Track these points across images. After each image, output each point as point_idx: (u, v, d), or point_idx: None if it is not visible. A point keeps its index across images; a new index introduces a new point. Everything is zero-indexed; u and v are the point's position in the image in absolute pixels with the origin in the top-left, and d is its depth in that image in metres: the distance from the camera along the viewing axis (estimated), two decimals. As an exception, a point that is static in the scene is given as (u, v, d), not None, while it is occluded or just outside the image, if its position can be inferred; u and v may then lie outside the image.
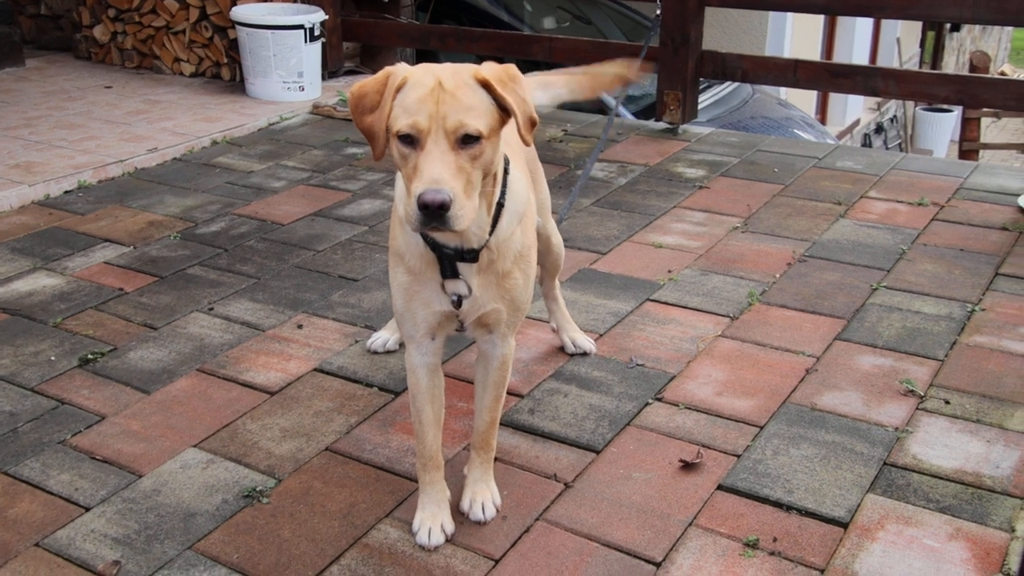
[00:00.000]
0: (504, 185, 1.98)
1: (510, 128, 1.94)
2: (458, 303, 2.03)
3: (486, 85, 1.82)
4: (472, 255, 1.97)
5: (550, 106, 2.75)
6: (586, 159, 4.63)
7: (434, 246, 1.98)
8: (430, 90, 1.77)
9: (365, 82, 1.89)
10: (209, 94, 5.77)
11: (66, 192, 4.32)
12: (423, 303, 2.05)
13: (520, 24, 7.01)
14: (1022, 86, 4.36)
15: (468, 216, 1.78)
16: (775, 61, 4.92)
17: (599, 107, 6.16)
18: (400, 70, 1.84)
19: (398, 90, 1.82)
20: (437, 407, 2.17)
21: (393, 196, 2.20)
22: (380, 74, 1.87)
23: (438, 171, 1.74)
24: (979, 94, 4.54)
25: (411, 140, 1.79)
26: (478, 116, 1.79)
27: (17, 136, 4.91)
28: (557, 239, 2.78)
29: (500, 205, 1.98)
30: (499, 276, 2.03)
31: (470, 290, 2.01)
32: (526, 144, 1.89)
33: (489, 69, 1.85)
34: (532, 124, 1.87)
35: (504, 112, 1.85)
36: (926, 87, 4.63)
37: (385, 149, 1.86)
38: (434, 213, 1.73)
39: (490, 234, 1.97)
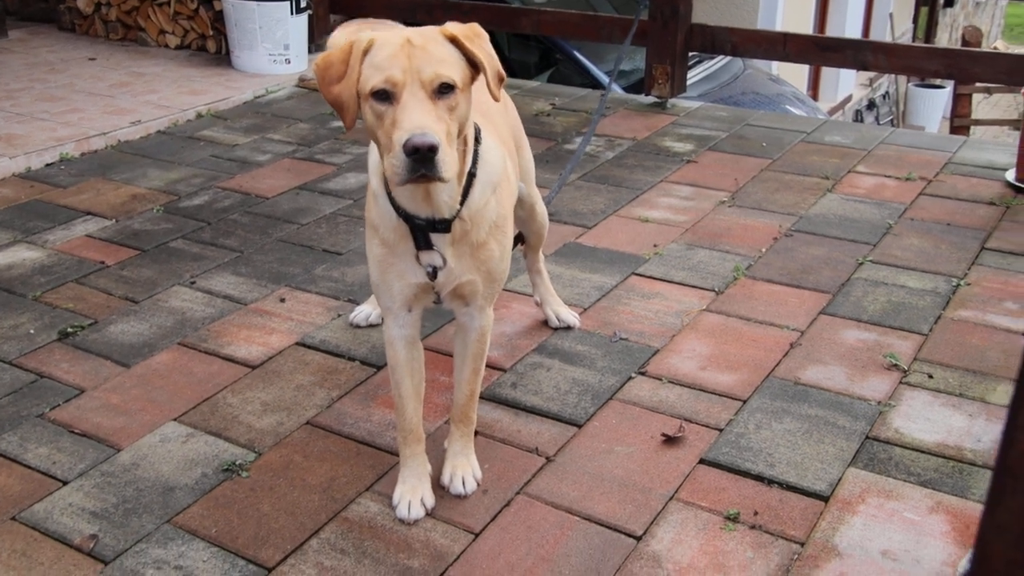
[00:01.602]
0: (476, 155, 1.97)
1: (485, 98, 1.92)
2: (433, 274, 2.01)
3: (454, 40, 1.83)
4: (444, 225, 1.95)
5: None
6: (573, 133, 4.59)
7: (406, 217, 1.96)
8: (400, 47, 1.78)
9: (329, 52, 1.88)
10: (194, 67, 5.71)
11: (48, 165, 4.28)
12: (398, 275, 2.03)
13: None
14: (1011, 60, 4.34)
15: (452, 166, 1.77)
16: (764, 35, 4.88)
17: (590, 81, 6.12)
18: (364, 36, 1.84)
19: (365, 53, 1.81)
20: (417, 380, 2.16)
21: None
22: (343, 43, 1.86)
23: (419, 118, 1.72)
24: (968, 68, 4.51)
25: (386, 96, 1.77)
26: (451, 67, 1.79)
27: (-1, 108, 4.86)
28: (541, 207, 2.76)
29: (472, 175, 1.96)
30: (473, 247, 2.01)
31: (444, 261, 1.99)
32: (495, 99, 1.89)
33: (455, 26, 1.86)
34: (500, 79, 1.89)
35: (472, 68, 1.85)
36: (915, 61, 4.60)
37: (356, 117, 1.84)
38: (424, 157, 1.71)
39: (461, 204, 1.95)
